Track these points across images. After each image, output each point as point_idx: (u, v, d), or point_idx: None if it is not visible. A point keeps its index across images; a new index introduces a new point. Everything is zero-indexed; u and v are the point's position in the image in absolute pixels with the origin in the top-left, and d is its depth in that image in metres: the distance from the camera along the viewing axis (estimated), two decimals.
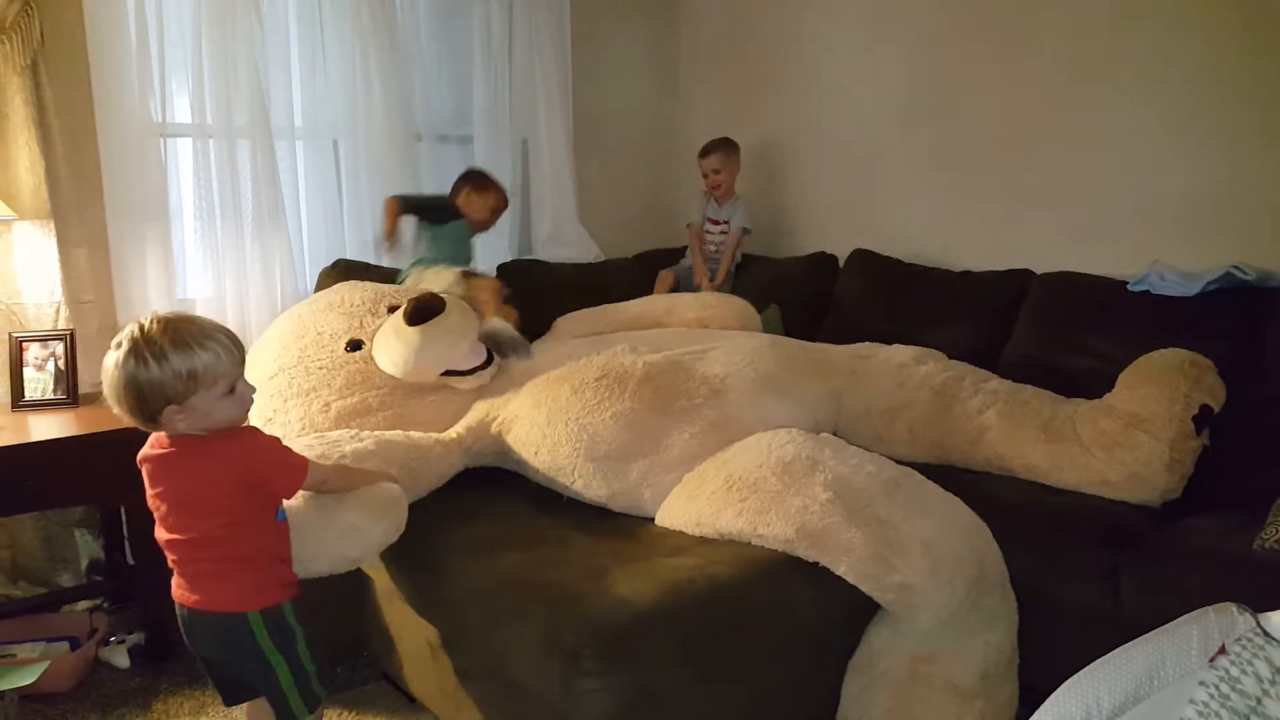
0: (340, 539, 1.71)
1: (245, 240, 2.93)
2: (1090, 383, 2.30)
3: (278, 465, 1.65)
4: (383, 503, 1.79)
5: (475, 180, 3.11)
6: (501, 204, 3.16)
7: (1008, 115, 3.05)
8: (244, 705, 1.77)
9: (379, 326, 2.32)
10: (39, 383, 2.57)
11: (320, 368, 2.26)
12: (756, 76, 3.81)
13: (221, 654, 1.69)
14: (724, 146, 3.49)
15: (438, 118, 3.47)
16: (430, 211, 3.00)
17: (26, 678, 2.18)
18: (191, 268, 2.94)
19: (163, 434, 1.60)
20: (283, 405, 2.23)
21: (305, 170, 3.16)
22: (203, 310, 2.88)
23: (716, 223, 3.54)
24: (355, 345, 2.31)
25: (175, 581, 1.66)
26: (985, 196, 3.14)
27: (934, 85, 3.24)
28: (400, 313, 2.23)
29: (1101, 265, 2.74)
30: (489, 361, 2.34)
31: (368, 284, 2.55)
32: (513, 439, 2.16)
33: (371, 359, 2.27)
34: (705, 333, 2.60)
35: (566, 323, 2.92)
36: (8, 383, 2.54)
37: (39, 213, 2.57)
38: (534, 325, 2.85)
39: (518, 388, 2.29)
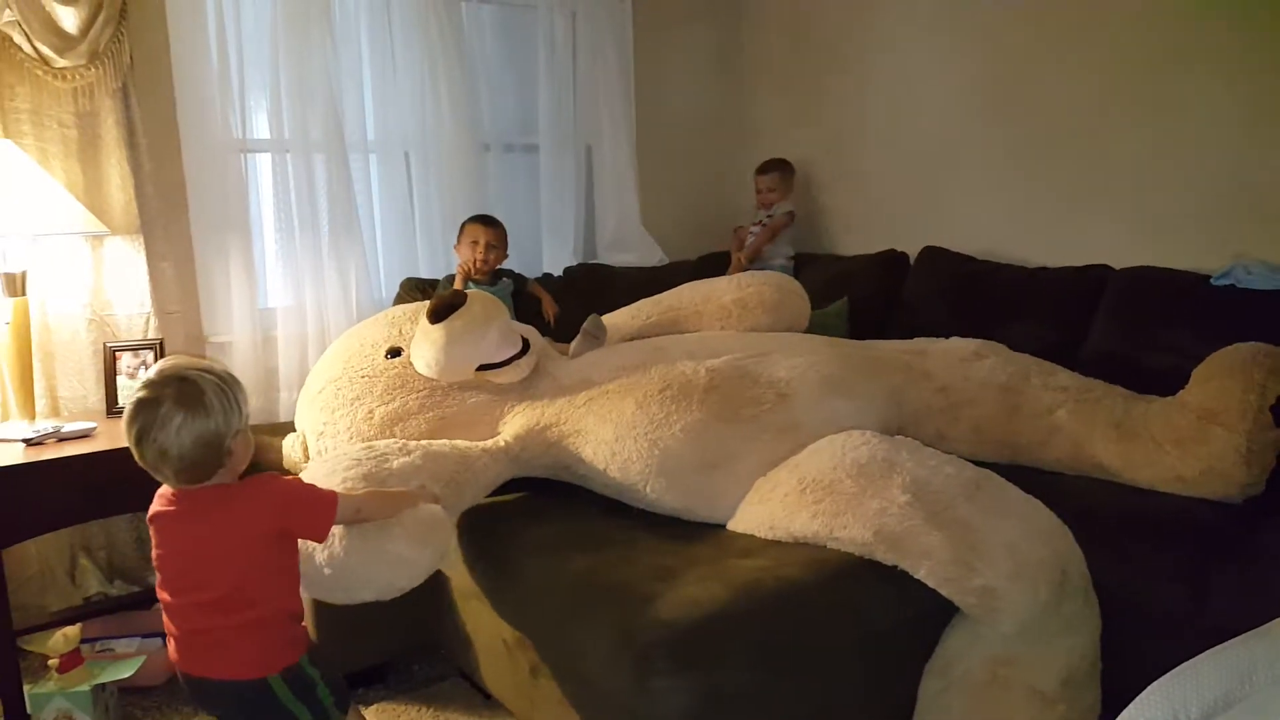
0: (389, 570, 1.67)
1: (322, 251, 3.02)
2: (1173, 381, 2.23)
3: (305, 505, 1.57)
4: (427, 527, 1.73)
5: (459, 236, 3.01)
6: (477, 233, 2.94)
7: (1079, 106, 2.98)
8: None
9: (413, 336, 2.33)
10: (131, 390, 2.67)
11: (363, 376, 2.29)
12: (820, 76, 3.78)
13: (238, 716, 1.58)
14: (781, 168, 3.54)
15: (504, 127, 3.52)
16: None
17: (125, 671, 2.29)
18: (272, 278, 3.04)
19: (169, 489, 1.52)
20: (331, 416, 2.27)
21: (378, 182, 3.24)
22: (282, 319, 2.99)
23: (757, 224, 3.57)
24: (395, 352, 2.33)
25: (179, 648, 1.54)
26: (1057, 191, 3.07)
27: (1002, 78, 3.18)
28: (424, 313, 2.23)
29: (1181, 260, 2.65)
30: (524, 350, 2.28)
31: (419, 303, 2.55)
32: (577, 456, 2.12)
33: (410, 364, 2.28)
34: (756, 335, 2.52)
35: (606, 320, 2.74)
36: (103, 390, 2.66)
37: (129, 228, 2.69)
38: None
39: (570, 395, 2.23)
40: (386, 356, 2.33)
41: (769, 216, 3.55)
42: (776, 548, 1.88)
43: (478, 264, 2.93)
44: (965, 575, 1.70)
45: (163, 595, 1.53)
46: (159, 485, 1.54)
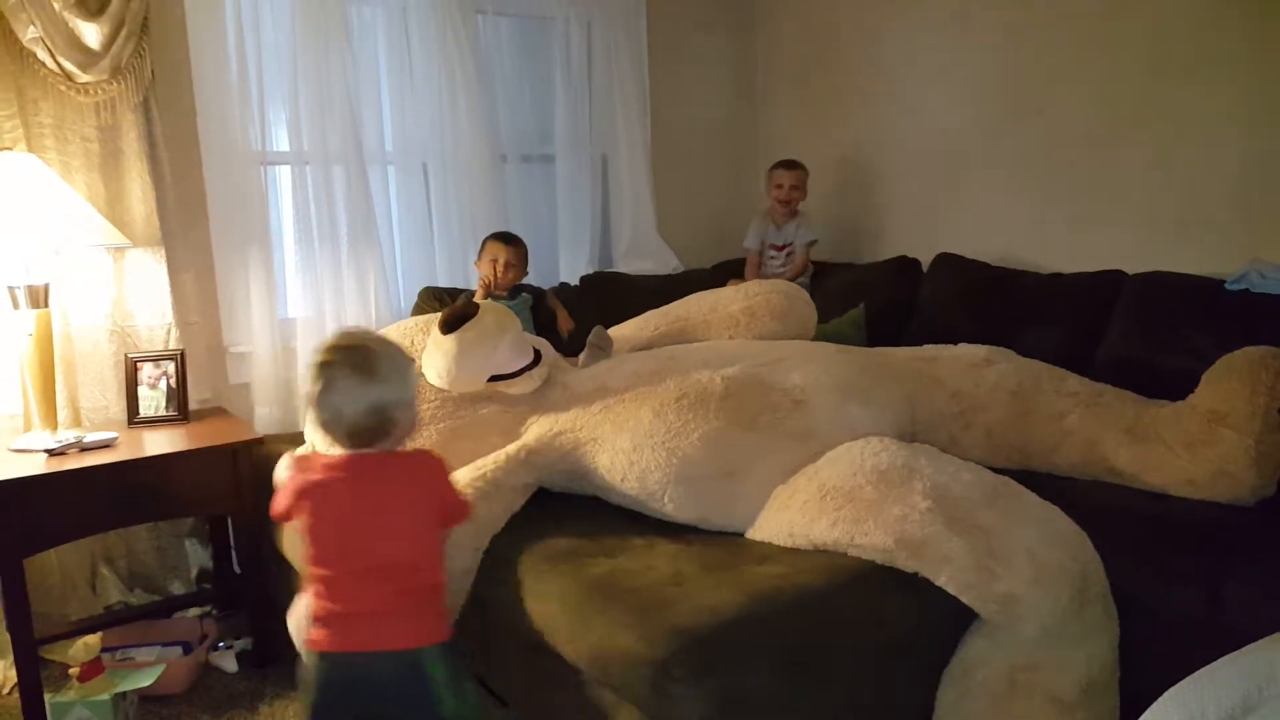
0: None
1: (342, 261, 3.05)
2: (1189, 384, 2.23)
3: (452, 485, 1.67)
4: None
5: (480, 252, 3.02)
6: (497, 251, 2.95)
7: (1092, 113, 2.98)
8: None
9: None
10: (152, 400, 2.72)
11: None
12: (835, 85, 3.80)
13: (389, 692, 1.52)
14: (803, 167, 3.52)
15: (521, 138, 3.55)
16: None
17: (145, 680, 2.32)
18: (292, 289, 3.07)
19: (329, 457, 1.57)
20: None
21: (397, 193, 3.28)
22: (302, 329, 3.02)
23: (779, 248, 3.54)
24: None
25: (332, 625, 1.51)
26: (1071, 197, 3.07)
27: (1015, 86, 3.19)
28: (436, 323, 2.23)
29: (1196, 264, 2.65)
30: (536, 361, 2.27)
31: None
32: (594, 465, 2.12)
33: (422, 374, 2.26)
34: (769, 343, 2.52)
35: (615, 331, 2.73)
36: (124, 401, 2.69)
37: (150, 240, 2.72)
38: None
39: (585, 404, 2.24)
40: None
41: (777, 224, 3.53)
42: (795, 555, 1.88)
43: (497, 281, 2.95)
44: (987, 581, 1.70)
45: (317, 570, 1.53)
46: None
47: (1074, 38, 3.00)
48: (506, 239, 3.00)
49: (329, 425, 1.53)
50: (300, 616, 1.66)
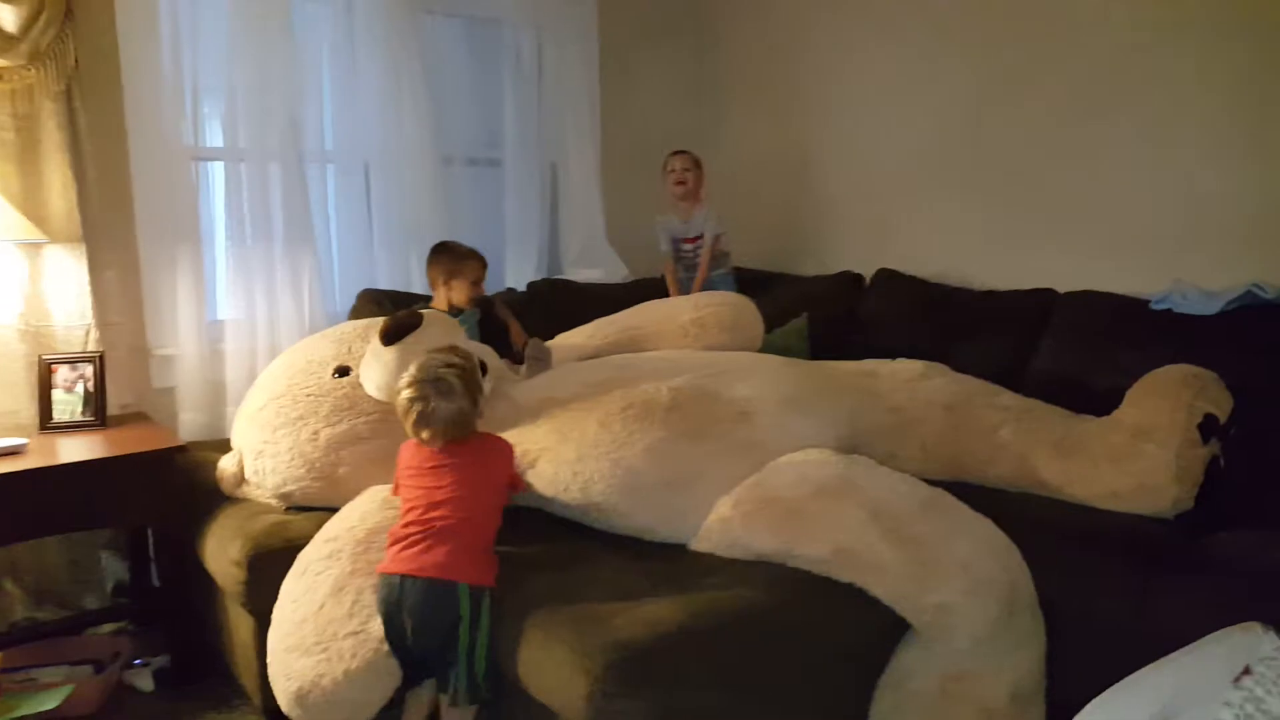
0: None
1: (276, 263, 2.97)
2: (1116, 400, 2.30)
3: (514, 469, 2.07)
4: None
5: (445, 266, 2.89)
6: (479, 273, 2.88)
7: (1030, 137, 3.06)
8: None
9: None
10: (67, 405, 2.60)
11: (308, 395, 2.23)
12: (786, 99, 3.84)
13: (426, 629, 1.79)
14: (692, 153, 3.48)
15: (468, 141, 3.51)
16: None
17: (49, 703, 2.19)
18: (222, 290, 2.98)
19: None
20: (272, 435, 2.22)
21: (336, 193, 3.21)
22: (232, 332, 2.92)
23: (690, 240, 3.50)
24: (343, 371, 2.27)
25: (398, 555, 1.83)
26: (1007, 217, 3.15)
27: (960, 107, 3.26)
28: (376, 332, 2.16)
29: (1123, 284, 2.74)
30: (482, 375, 2.20)
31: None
32: (537, 476, 2.10)
33: (359, 385, 2.21)
34: (715, 354, 2.52)
35: (560, 340, 2.73)
36: (36, 405, 2.57)
37: (70, 236, 2.61)
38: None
39: (531, 415, 2.22)
40: (334, 375, 2.27)
41: (682, 217, 3.48)
42: (736, 566, 1.88)
43: (471, 304, 2.86)
44: (920, 592, 1.72)
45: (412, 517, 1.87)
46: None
47: (1014, 64, 3.09)
48: (467, 259, 2.86)
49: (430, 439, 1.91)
50: None
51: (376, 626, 1.82)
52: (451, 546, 1.82)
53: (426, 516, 1.84)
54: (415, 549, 1.82)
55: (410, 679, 1.87)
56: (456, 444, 1.92)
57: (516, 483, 2.05)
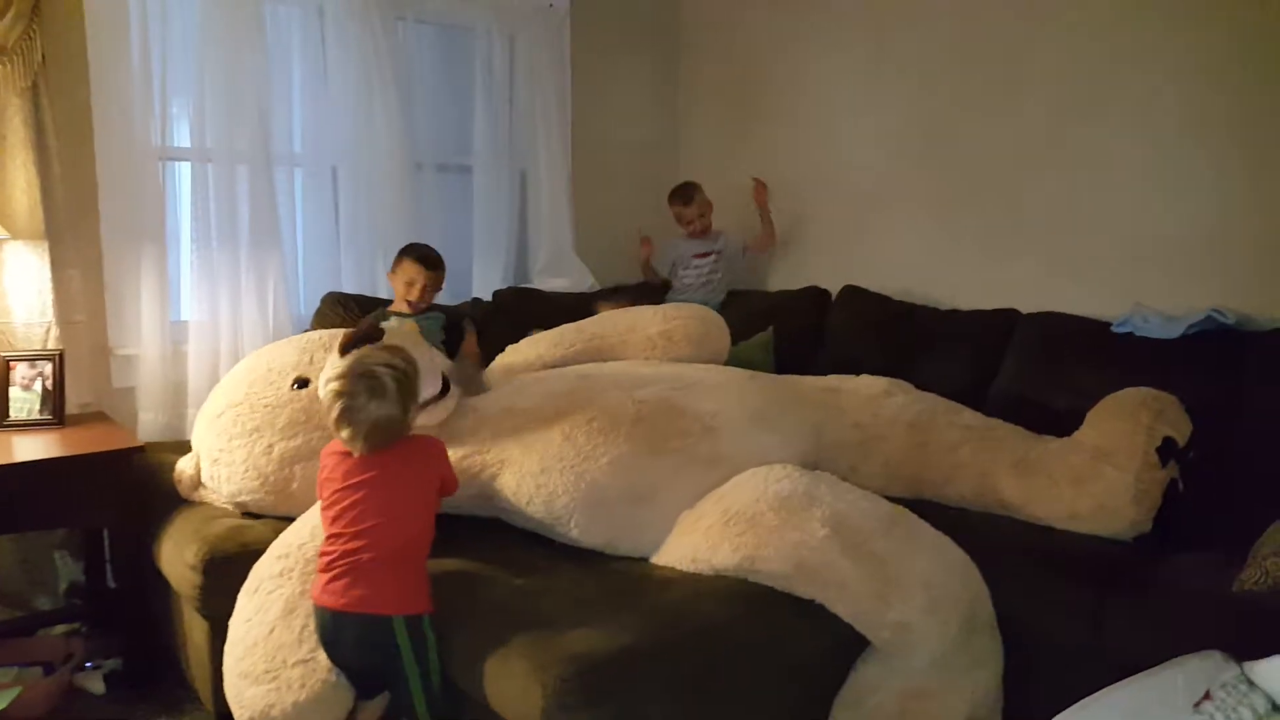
0: None
1: (241, 264, 2.93)
2: (1075, 421, 2.33)
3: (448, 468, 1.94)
4: None
5: (395, 261, 2.92)
6: (415, 274, 2.84)
7: (996, 157, 3.10)
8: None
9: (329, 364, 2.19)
10: (25, 403, 2.56)
11: (265, 405, 2.19)
12: (754, 111, 3.86)
13: (369, 659, 1.77)
14: (699, 189, 3.56)
15: (438, 147, 3.49)
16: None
17: None
18: (186, 290, 2.94)
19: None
20: (228, 445, 2.18)
21: (303, 196, 3.18)
22: (195, 333, 2.89)
23: (704, 255, 3.58)
24: (302, 383, 2.22)
25: (328, 586, 1.76)
26: (973, 236, 3.19)
27: (925, 127, 3.30)
28: (336, 345, 2.09)
29: (1086, 306, 2.78)
30: (445, 390, 2.18)
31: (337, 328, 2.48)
32: (501, 488, 2.09)
33: (318, 397, 2.11)
34: (682, 367, 2.50)
35: (524, 347, 2.68)
36: None
37: (33, 233, 2.57)
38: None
39: (493, 427, 2.19)
40: (293, 387, 2.22)
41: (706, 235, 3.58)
42: (697, 580, 1.88)
43: (410, 303, 2.85)
44: (881, 609, 1.73)
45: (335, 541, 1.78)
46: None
47: (981, 83, 3.13)
48: (428, 263, 2.85)
49: (350, 439, 1.79)
50: None
51: (325, 655, 1.80)
52: (379, 579, 1.74)
53: (351, 548, 1.75)
54: (342, 583, 1.75)
55: (363, 693, 1.84)
56: (380, 453, 1.80)
57: (449, 484, 1.93)
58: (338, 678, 1.80)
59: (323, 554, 1.79)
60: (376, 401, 1.77)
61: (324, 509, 1.82)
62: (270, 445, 2.15)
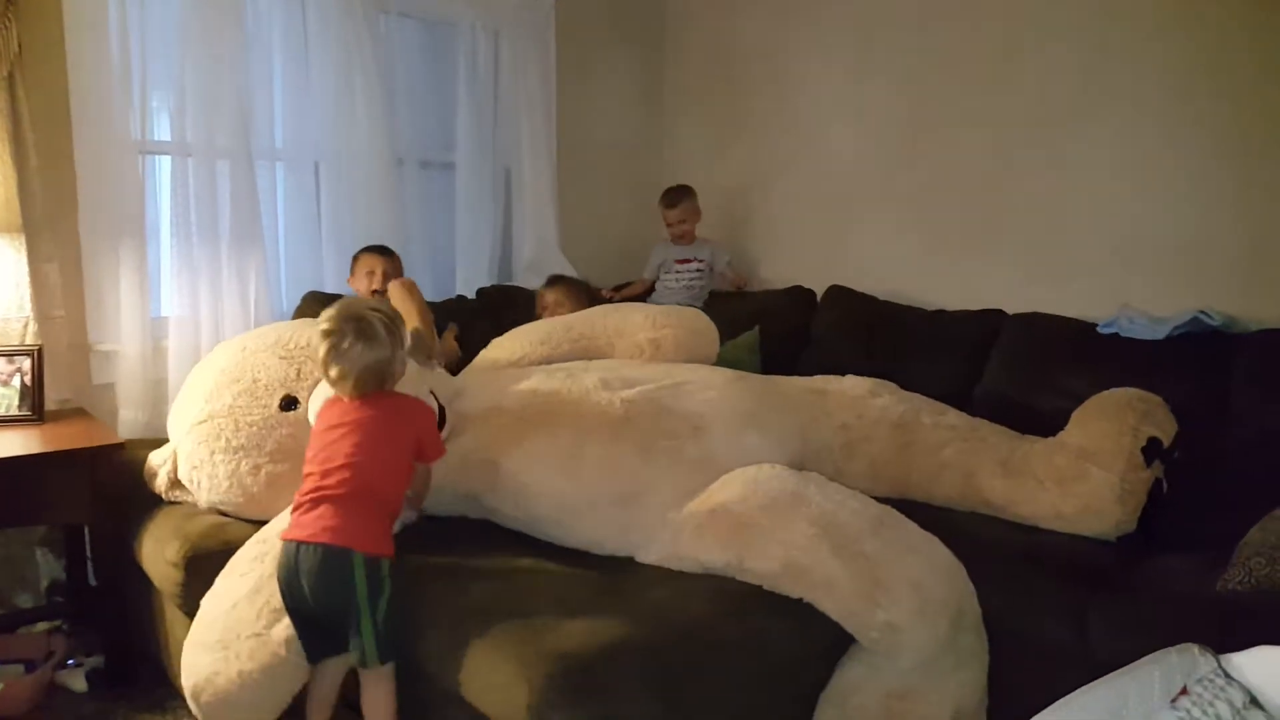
0: None
1: (221, 260, 2.90)
2: (1060, 422, 2.34)
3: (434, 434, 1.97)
4: None
5: (352, 267, 2.99)
6: (374, 263, 2.92)
7: (982, 157, 3.11)
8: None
9: (318, 380, 2.09)
10: (3, 398, 2.52)
11: (251, 424, 2.14)
12: (739, 111, 3.86)
13: (325, 594, 1.76)
14: (687, 195, 3.55)
15: (421, 143, 3.47)
16: None
17: None
18: (166, 286, 2.90)
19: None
20: (209, 457, 2.15)
21: (285, 192, 3.15)
22: (175, 329, 2.85)
23: (686, 261, 3.58)
24: (290, 403, 2.17)
25: (295, 521, 1.79)
26: (959, 237, 3.19)
27: (911, 127, 3.30)
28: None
29: (1072, 307, 2.79)
30: (441, 421, 2.11)
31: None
32: (485, 486, 2.08)
33: (307, 421, 2.07)
34: (669, 365, 2.49)
35: (507, 342, 2.65)
36: None
37: (9, 226, 2.52)
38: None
39: (477, 425, 2.17)
40: (280, 408, 2.16)
41: (692, 245, 3.58)
42: (683, 579, 1.88)
43: (375, 293, 2.83)
44: (869, 610, 1.73)
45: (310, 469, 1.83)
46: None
47: (966, 83, 3.14)
48: (382, 251, 2.94)
49: (338, 378, 1.84)
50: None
51: (280, 629, 1.80)
52: (346, 511, 1.77)
53: (323, 483, 1.79)
54: (311, 514, 1.78)
55: (313, 655, 1.83)
56: (369, 399, 1.85)
57: (427, 450, 1.93)
58: (289, 653, 1.79)
59: (297, 498, 1.82)
60: (364, 344, 1.81)
61: (309, 453, 1.86)
62: (257, 466, 2.13)
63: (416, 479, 1.97)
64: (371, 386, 1.85)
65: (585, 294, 3.30)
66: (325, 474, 1.79)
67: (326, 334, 1.83)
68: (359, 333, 1.82)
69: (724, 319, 2.88)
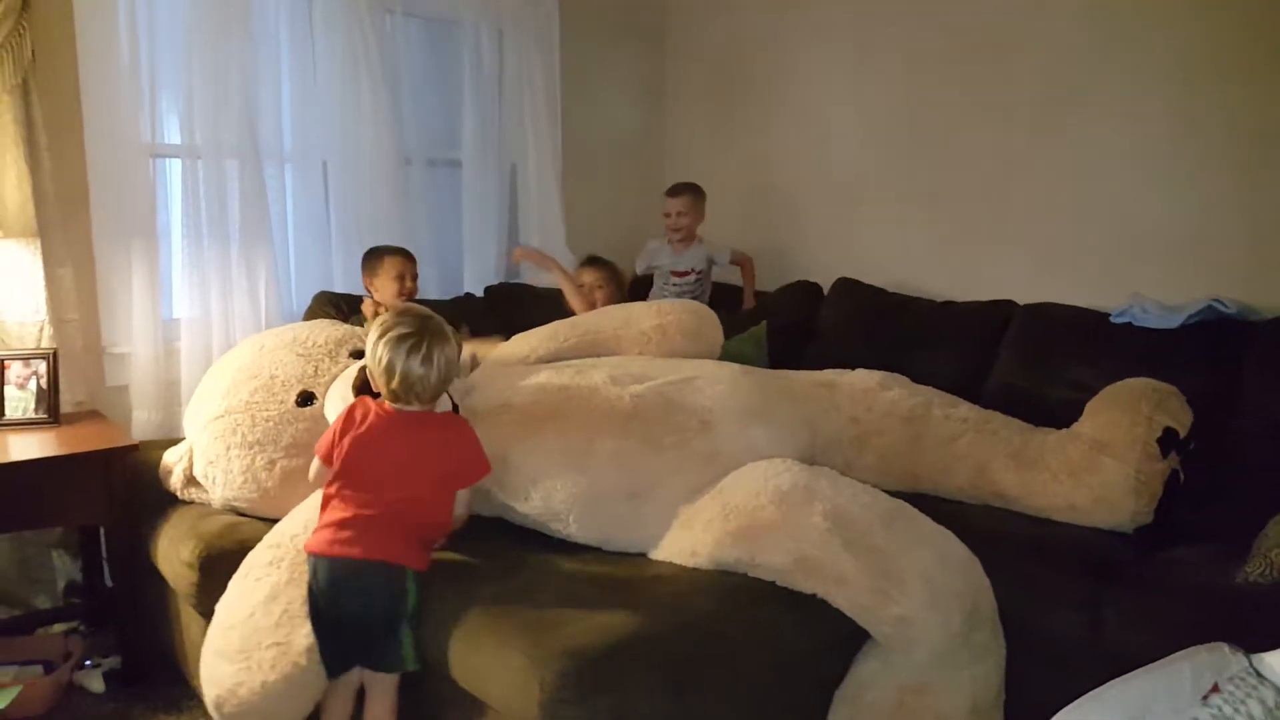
0: None
1: (232, 261, 2.92)
2: (1072, 413, 2.32)
3: (475, 460, 1.90)
4: None
5: (366, 270, 2.94)
6: (403, 266, 2.88)
7: (989, 148, 3.09)
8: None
9: (335, 376, 2.21)
10: (20, 401, 2.55)
11: (268, 419, 2.17)
12: (744, 106, 3.85)
13: (369, 608, 1.77)
14: (692, 191, 3.50)
15: (427, 142, 3.47)
16: None
17: None
18: (177, 289, 2.92)
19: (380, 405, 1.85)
20: (225, 453, 2.17)
21: (294, 192, 3.16)
22: (187, 331, 2.87)
23: (684, 274, 3.52)
24: (306, 399, 2.20)
25: (338, 537, 1.77)
26: (967, 228, 3.18)
27: (917, 118, 3.28)
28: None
29: (1083, 297, 2.77)
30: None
31: (339, 325, 2.48)
32: (498, 485, 2.08)
33: (323, 417, 2.13)
34: (676, 361, 2.48)
35: (517, 341, 2.63)
36: None
37: (24, 230, 2.55)
38: None
39: (488, 423, 2.14)
40: (297, 403, 2.19)
41: (675, 250, 3.51)
42: (694, 574, 1.88)
43: (405, 298, 2.83)
44: (882, 604, 1.72)
45: (345, 492, 1.80)
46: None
47: (971, 73, 3.12)
48: (407, 254, 2.92)
49: (403, 393, 1.81)
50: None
51: (300, 639, 1.81)
52: (390, 533, 1.78)
53: (369, 503, 1.78)
54: (351, 533, 1.77)
55: (334, 669, 1.83)
56: (413, 415, 1.83)
57: (464, 474, 1.90)
58: (309, 662, 1.80)
59: (329, 503, 1.81)
60: (441, 345, 1.80)
61: (343, 458, 1.81)
62: (272, 461, 2.15)
63: (458, 503, 1.94)
64: (431, 397, 1.84)
65: (621, 279, 3.31)
66: (371, 491, 1.79)
67: (403, 337, 1.78)
68: (435, 335, 1.80)
69: (730, 313, 2.88)
